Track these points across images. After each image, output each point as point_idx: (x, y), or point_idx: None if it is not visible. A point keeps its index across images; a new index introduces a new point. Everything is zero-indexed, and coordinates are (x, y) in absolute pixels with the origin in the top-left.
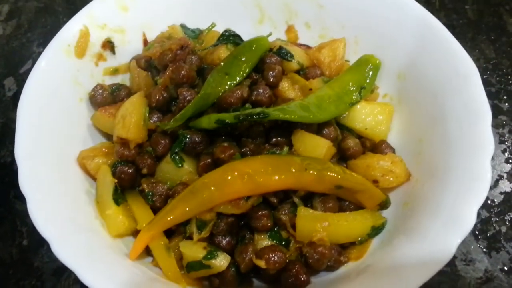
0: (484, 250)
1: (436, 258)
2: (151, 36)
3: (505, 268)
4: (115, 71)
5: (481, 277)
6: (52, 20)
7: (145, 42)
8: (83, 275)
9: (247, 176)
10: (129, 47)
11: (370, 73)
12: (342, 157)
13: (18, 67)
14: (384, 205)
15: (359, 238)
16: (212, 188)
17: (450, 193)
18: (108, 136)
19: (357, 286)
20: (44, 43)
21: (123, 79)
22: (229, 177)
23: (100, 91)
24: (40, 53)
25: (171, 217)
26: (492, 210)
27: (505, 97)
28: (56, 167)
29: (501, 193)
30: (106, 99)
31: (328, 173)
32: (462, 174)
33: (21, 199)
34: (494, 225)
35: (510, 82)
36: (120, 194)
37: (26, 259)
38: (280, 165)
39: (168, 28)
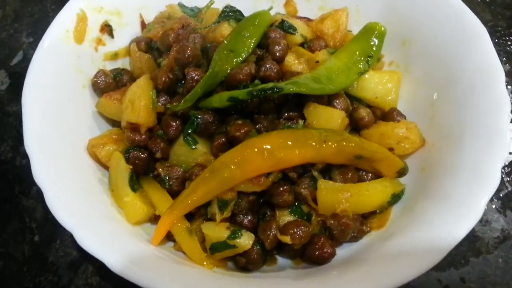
0: (499, 210)
1: (463, 220)
2: (148, 17)
3: None
4: (115, 56)
5: (498, 236)
6: (38, 9)
7: (143, 24)
8: (111, 263)
9: (267, 152)
10: (127, 30)
11: (376, 41)
12: (355, 127)
13: (9, 60)
14: (402, 172)
15: (380, 207)
16: (232, 166)
17: (470, 153)
18: (114, 123)
19: (382, 255)
20: (33, 33)
21: (123, 63)
22: (249, 154)
23: (102, 77)
24: (30, 44)
25: (193, 199)
26: (503, 170)
27: (504, 58)
28: (67, 157)
29: (510, 153)
30: (109, 85)
31: (348, 143)
32: (481, 133)
33: (27, 194)
34: (506, 184)
35: (509, 43)
36: (136, 180)
37: (39, 254)
38: (298, 139)
39: (166, 7)
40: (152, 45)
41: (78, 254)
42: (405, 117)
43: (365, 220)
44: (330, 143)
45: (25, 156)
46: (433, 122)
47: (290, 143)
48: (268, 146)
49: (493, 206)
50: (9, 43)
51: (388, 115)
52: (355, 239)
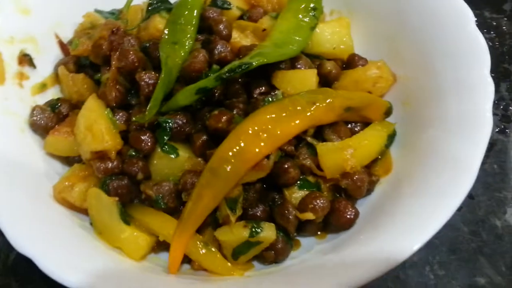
0: None
1: (473, 133)
2: (65, 35)
3: None
4: (43, 87)
5: None
6: None
7: (61, 44)
8: None
9: (263, 132)
10: (47, 55)
11: None
12: (325, 83)
13: None
14: (389, 111)
15: (380, 152)
16: (232, 160)
17: (447, 72)
18: (69, 160)
19: (400, 202)
20: None
21: (53, 93)
22: (246, 140)
23: (40, 114)
24: None
25: (202, 209)
26: None
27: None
28: (38, 215)
29: None
30: (51, 120)
31: (335, 98)
32: (451, 49)
33: None
34: None
35: None
36: (125, 212)
37: None
38: (288, 109)
39: (84, 17)
40: (82, 62)
41: None
42: (366, 60)
43: (369, 170)
44: (319, 104)
45: None
46: (398, 56)
47: (283, 115)
48: (263, 126)
49: None
50: None
51: (350, 62)
52: (368, 192)
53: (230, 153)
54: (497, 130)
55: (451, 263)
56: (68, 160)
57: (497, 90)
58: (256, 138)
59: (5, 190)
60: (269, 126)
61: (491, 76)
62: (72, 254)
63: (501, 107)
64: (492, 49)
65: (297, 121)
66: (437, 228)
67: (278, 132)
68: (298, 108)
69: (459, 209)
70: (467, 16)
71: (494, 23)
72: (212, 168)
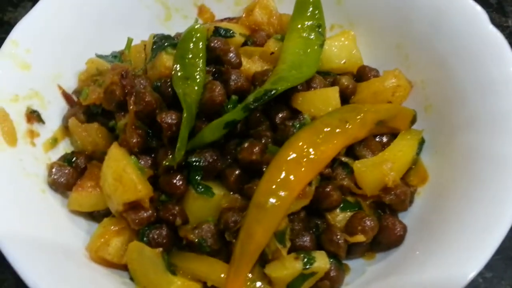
0: None
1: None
2: (67, 85)
3: None
4: (55, 142)
5: None
6: None
7: (65, 94)
8: None
9: (303, 159)
10: (53, 109)
11: (315, 9)
12: (342, 99)
13: None
14: (414, 119)
15: (413, 161)
16: (278, 192)
17: (471, 68)
18: (93, 216)
19: (450, 204)
20: None
21: (64, 147)
22: (288, 170)
23: (59, 171)
24: None
25: (254, 247)
26: None
27: None
28: (76, 277)
29: None
30: (71, 176)
31: (366, 114)
32: (468, 50)
33: None
34: None
35: None
36: (168, 261)
37: None
38: (322, 131)
39: (87, 64)
40: (92, 111)
41: None
42: (377, 70)
43: (406, 181)
44: (351, 121)
45: None
46: (409, 62)
47: (320, 137)
48: (301, 152)
49: None
50: None
51: (361, 74)
52: (410, 204)
53: (274, 185)
54: None
55: (496, 264)
56: (93, 216)
57: None
58: (297, 165)
59: (41, 255)
60: (308, 151)
61: None
62: None
63: None
64: None
65: (335, 142)
66: (507, 228)
67: (318, 156)
68: (332, 128)
69: None
70: (480, 15)
71: None
72: (258, 203)
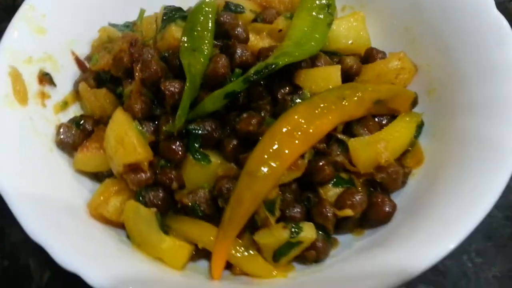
0: None
1: (506, 114)
2: (80, 51)
3: None
4: (65, 105)
5: None
6: None
7: (78, 60)
8: None
9: (297, 132)
10: (65, 73)
11: None
12: (346, 79)
13: None
14: (415, 101)
15: (411, 143)
16: (269, 161)
17: (475, 54)
18: (98, 177)
19: (441, 186)
20: None
21: (75, 110)
22: (282, 141)
23: (67, 132)
24: None
25: (242, 213)
26: None
27: None
28: (77, 231)
29: None
30: (78, 137)
31: (364, 92)
32: (472, 37)
33: None
34: None
35: None
36: (163, 222)
37: None
38: (319, 107)
39: (99, 32)
40: (101, 77)
41: None
42: (384, 53)
43: (401, 162)
44: (349, 99)
45: None
46: (416, 45)
47: (315, 112)
48: (296, 125)
49: None
50: None
51: (368, 56)
52: (403, 184)
53: (266, 155)
54: None
55: (487, 250)
56: (97, 176)
57: None
58: (290, 137)
59: (45, 210)
60: (303, 125)
61: None
62: (117, 267)
63: None
64: None
65: (330, 118)
66: (482, 216)
67: (312, 130)
68: (328, 104)
69: None
70: (487, 1)
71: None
72: (249, 171)
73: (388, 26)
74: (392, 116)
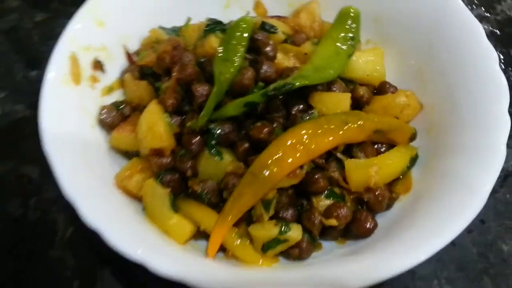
0: None
1: (486, 162)
2: (131, 46)
3: None
4: (110, 90)
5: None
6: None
7: (128, 54)
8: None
9: (300, 146)
10: (116, 63)
11: (353, 23)
12: (356, 106)
13: None
14: (413, 137)
15: (402, 172)
16: (271, 167)
17: (474, 104)
18: (128, 155)
19: (416, 216)
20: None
21: (118, 95)
22: (284, 151)
23: (107, 113)
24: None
25: (242, 205)
26: None
27: None
28: (104, 196)
29: None
30: (117, 118)
31: (367, 121)
32: (476, 87)
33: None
34: None
35: None
36: (174, 202)
37: None
38: (323, 127)
39: (150, 32)
40: (145, 71)
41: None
42: (396, 88)
43: (391, 188)
44: (351, 124)
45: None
46: (424, 86)
47: (319, 131)
48: (300, 139)
49: None
50: None
51: (381, 88)
52: (388, 207)
53: (270, 161)
54: None
55: (458, 279)
56: (128, 154)
57: None
58: (293, 149)
59: (80, 175)
60: (306, 140)
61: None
62: (131, 231)
63: None
64: None
65: (330, 138)
66: (445, 242)
67: (313, 146)
68: (332, 126)
69: (470, 231)
70: (492, 56)
71: None
72: (253, 172)
73: (404, 64)
74: (391, 146)
